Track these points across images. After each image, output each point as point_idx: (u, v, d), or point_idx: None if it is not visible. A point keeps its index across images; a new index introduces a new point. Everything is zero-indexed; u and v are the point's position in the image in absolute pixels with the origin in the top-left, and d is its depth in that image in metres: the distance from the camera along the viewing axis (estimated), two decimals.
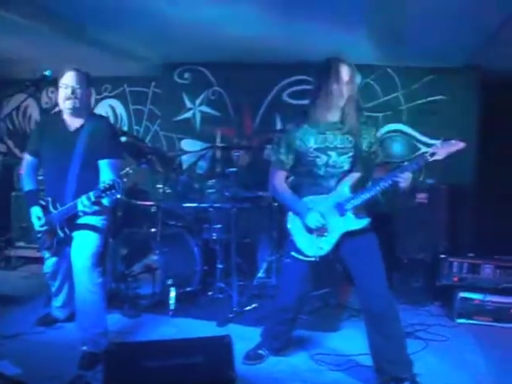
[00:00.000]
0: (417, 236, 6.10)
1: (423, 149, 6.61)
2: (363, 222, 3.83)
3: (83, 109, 4.37)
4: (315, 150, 3.84)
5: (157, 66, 7.73)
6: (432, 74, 6.79)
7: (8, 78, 8.05)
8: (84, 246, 4.26)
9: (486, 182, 6.63)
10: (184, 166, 7.42)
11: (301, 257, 3.93)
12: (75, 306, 4.40)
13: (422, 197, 6.09)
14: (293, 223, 3.99)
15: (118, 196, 3.98)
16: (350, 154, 3.87)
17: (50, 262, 4.67)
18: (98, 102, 8.77)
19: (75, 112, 4.32)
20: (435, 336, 5.00)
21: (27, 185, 4.50)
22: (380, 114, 7.02)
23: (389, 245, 6.02)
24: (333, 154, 3.84)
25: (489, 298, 5.46)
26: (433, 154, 3.60)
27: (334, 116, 3.86)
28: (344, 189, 3.83)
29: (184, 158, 7.53)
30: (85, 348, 4.21)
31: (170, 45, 6.61)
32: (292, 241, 3.99)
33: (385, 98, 7.00)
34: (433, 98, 6.82)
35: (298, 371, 4.19)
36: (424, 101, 6.87)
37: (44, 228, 4.33)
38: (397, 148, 6.89)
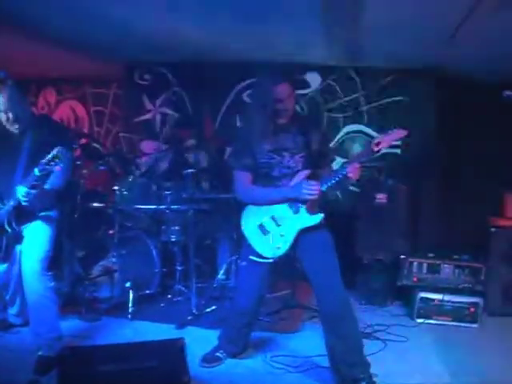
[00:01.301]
0: (377, 236, 6.09)
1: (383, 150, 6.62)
2: (317, 218, 3.80)
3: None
4: (269, 151, 3.85)
5: (118, 67, 7.62)
6: (392, 75, 6.80)
7: None
8: (33, 250, 4.16)
9: (446, 182, 6.67)
10: (144, 168, 7.34)
11: (258, 259, 3.90)
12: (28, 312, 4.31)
13: (381, 197, 6.08)
14: (247, 226, 3.97)
15: (60, 167, 3.84)
16: (302, 153, 3.88)
17: (1, 268, 4.56)
18: (58, 103, 8.65)
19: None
20: (395, 336, 5.01)
21: None
22: (341, 115, 7.01)
23: (349, 245, 6.05)
24: (286, 154, 3.85)
25: (448, 297, 5.48)
26: (378, 144, 3.58)
27: (283, 119, 3.88)
28: None
29: (144, 159, 7.45)
30: (40, 353, 4.11)
31: (131, 45, 6.53)
32: (248, 244, 3.95)
33: (346, 99, 6.98)
34: (393, 99, 6.82)
35: (256, 374, 4.15)
36: (384, 101, 6.87)
37: None
38: (357, 148, 6.88)
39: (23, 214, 4.15)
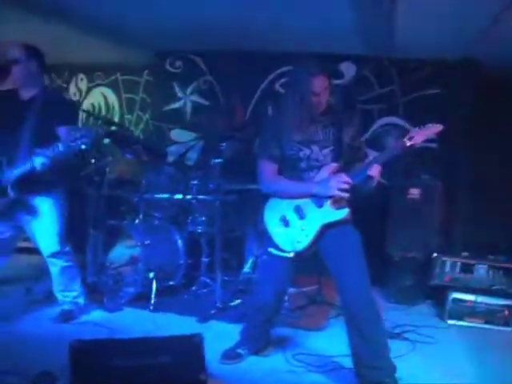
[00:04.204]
0: (409, 233, 5.93)
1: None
2: (341, 214, 3.67)
3: (32, 80, 4.46)
4: (298, 143, 3.74)
5: (149, 54, 7.56)
6: (429, 67, 6.59)
7: None
8: (47, 231, 4.54)
9: (483, 180, 6.47)
10: (173, 157, 7.27)
11: (278, 252, 3.78)
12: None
13: (415, 192, 5.93)
14: (269, 218, 3.85)
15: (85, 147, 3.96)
16: (332, 147, 3.76)
17: None
18: (90, 89, 8.62)
19: (24, 83, 4.45)
20: (424, 337, 4.85)
21: None
22: (375, 107, 6.84)
23: (379, 241, 5.91)
24: (315, 147, 3.74)
25: (481, 299, 5.32)
26: (411, 138, 3.46)
27: (316, 111, 3.74)
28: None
29: (174, 148, 7.37)
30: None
31: (162, 32, 6.47)
32: (268, 236, 3.84)
33: (381, 91, 6.80)
34: (429, 92, 6.61)
35: (277, 372, 4.02)
36: (420, 94, 6.67)
37: None
38: (391, 142, 6.67)
39: (29, 183, 4.29)
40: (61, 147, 4.02)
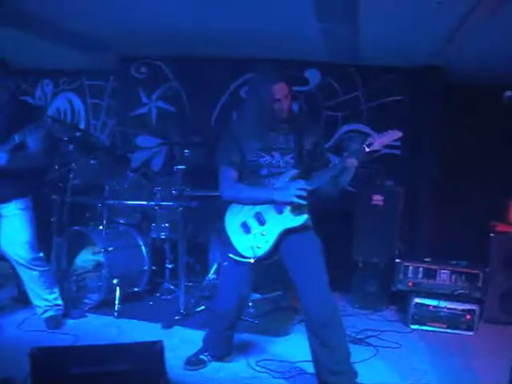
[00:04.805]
0: (372, 239, 5.97)
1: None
2: (301, 220, 3.70)
3: None
4: (259, 149, 3.75)
5: (115, 60, 7.50)
6: (393, 74, 6.63)
7: None
8: (15, 239, 4.54)
9: (446, 185, 6.53)
10: (139, 163, 7.23)
11: (238, 258, 3.79)
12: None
13: (378, 199, 5.97)
14: (230, 224, 3.85)
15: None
16: (293, 154, 3.77)
17: None
18: (55, 94, 8.54)
19: None
20: (387, 342, 4.90)
21: None
22: (339, 114, 6.87)
23: (344, 247, 5.94)
24: (276, 154, 3.76)
25: (444, 304, 5.39)
26: (369, 145, 3.51)
27: (278, 117, 3.75)
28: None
29: (139, 154, 7.34)
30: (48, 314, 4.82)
31: (128, 38, 6.40)
32: (229, 242, 3.83)
33: (345, 97, 6.83)
34: (393, 98, 6.67)
35: (239, 378, 4.03)
36: (384, 101, 6.72)
37: None
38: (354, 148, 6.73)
39: None
40: (17, 139, 4.11)
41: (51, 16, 5.47)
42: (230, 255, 3.84)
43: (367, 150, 3.49)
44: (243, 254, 3.76)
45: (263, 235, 3.71)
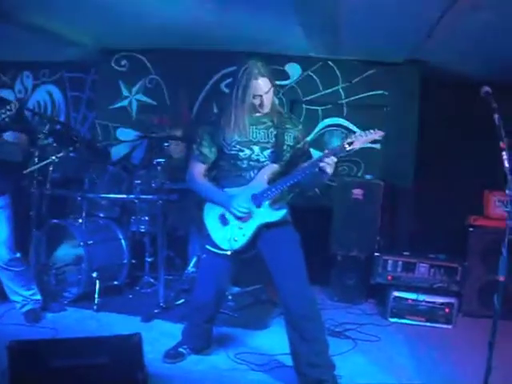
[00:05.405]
0: (352, 232, 5.99)
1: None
2: (279, 214, 3.71)
3: None
4: (238, 143, 3.72)
5: (95, 52, 7.45)
6: (373, 69, 6.66)
7: None
8: None
9: (425, 180, 6.58)
10: (119, 156, 7.22)
11: (215, 250, 3.80)
12: None
13: (358, 192, 5.99)
14: (208, 216, 3.87)
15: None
16: (274, 148, 3.76)
17: None
18: (35, 87, 8.48)
19: None
20: (366, 335, 4.94)
21: None
22: (320, 108, 6.89)
23: (323, 240, 5.96)
24: (256, 148, 3.74)
25: (423, 297, 5.44)
26: (350, 144, 3.48)
27: (259, 112, 3.75)
28: (260, 180, 3.71)
29: (119, 147, 7.31)
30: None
31: (108, 30, 6.38)
32: (207, 234, 3.85)
33: (325, 91, 6.85)
34: (374, 93, 6.69)
35: (218, 371, 4.04)
36: (365, 95, 6.74)
37: None
38: (336, 142, 6.75)
39: None
40: None
41: (31, 8, 5.45)
42: (208, 247, 3.86)
43: (347, 148, 3.48)
44: (220, 246, 3.78)
45: (240, 228, 3.72)
